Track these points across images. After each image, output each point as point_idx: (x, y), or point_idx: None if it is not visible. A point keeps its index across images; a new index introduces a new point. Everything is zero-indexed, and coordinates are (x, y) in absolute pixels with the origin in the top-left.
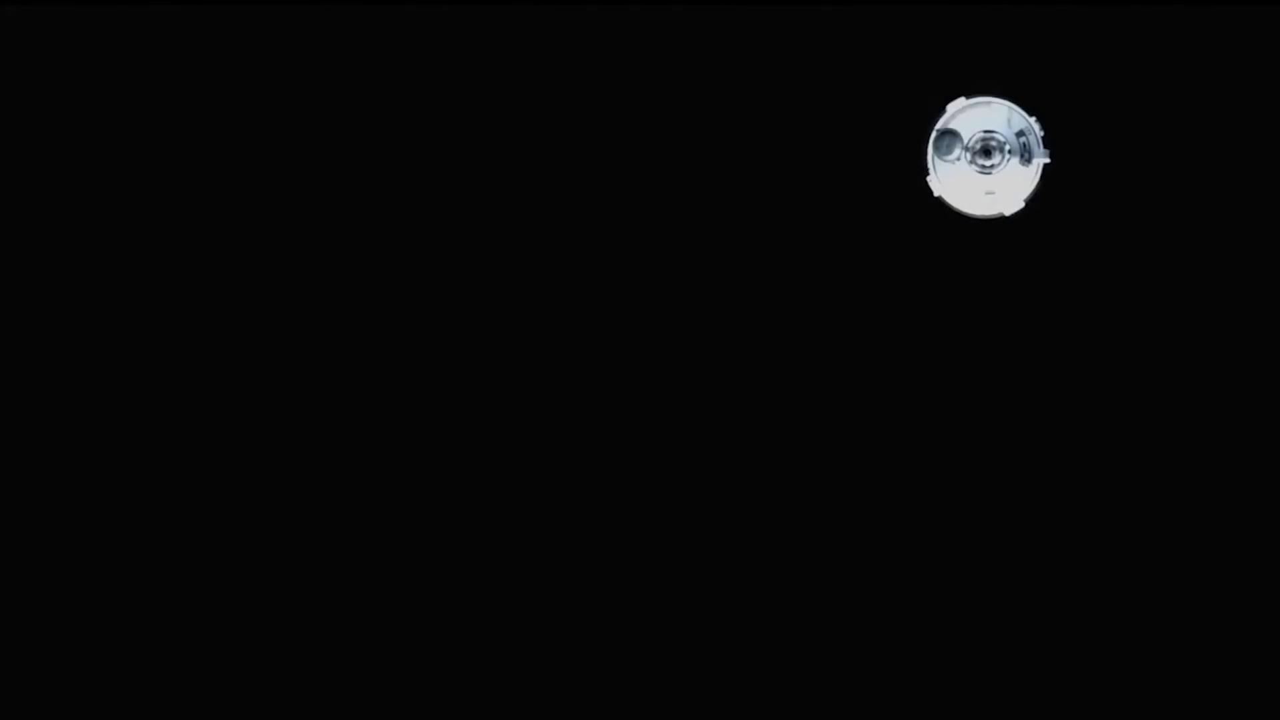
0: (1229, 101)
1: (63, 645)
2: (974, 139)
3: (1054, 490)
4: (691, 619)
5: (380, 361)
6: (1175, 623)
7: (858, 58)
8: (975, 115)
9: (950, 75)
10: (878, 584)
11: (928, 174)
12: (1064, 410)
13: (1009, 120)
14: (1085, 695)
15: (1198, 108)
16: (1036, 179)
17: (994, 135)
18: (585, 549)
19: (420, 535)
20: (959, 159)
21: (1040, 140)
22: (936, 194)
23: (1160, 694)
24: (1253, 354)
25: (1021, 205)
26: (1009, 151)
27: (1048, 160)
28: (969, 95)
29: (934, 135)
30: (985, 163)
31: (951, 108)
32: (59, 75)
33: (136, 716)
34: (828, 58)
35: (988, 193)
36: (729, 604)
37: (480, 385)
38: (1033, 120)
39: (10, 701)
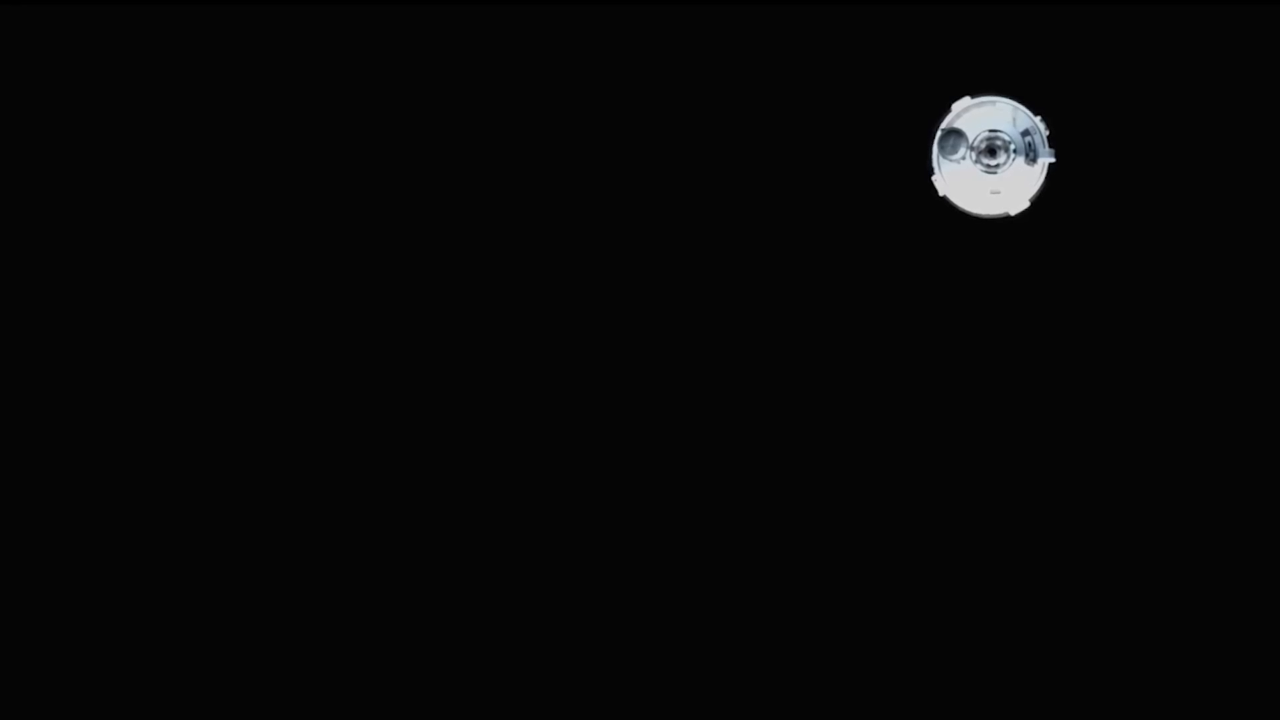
0: (1233, 101)
1: (62, 645)
2: (979, 138)
3: (1059, 489)
4: (693, 617)
5: (381, 360)
6: (1177, 623)
7: (862, 57)
8: (980, 114)
9: (955, 74)
10: (880, 583)
11: (933, 173)
12: (1069, 409)
13: (1014, 119)
14: (1084, 694)
15: (1202, 107)
16: (1042, 178)
17: (999, 134)
18: (590, 547)
19: (421, 534)
20: (964, 158)
21: (1045, 139)
22: (941, 193)
23: (1160, 693)
24: (1257, 353)
25: (1027, 205)
26: (1014, 151)
27: (1053, 159)
28: (974, 94)
29: (939, 134)
30: (990, 162)
31: (957, 107)
32: (59, 75)
33: (136, 716)
34: (832, 57)
35: (993, 192)
36: (732, 602)
37: (483, 384)
38: (1038, 119)
39: (10, 701)
